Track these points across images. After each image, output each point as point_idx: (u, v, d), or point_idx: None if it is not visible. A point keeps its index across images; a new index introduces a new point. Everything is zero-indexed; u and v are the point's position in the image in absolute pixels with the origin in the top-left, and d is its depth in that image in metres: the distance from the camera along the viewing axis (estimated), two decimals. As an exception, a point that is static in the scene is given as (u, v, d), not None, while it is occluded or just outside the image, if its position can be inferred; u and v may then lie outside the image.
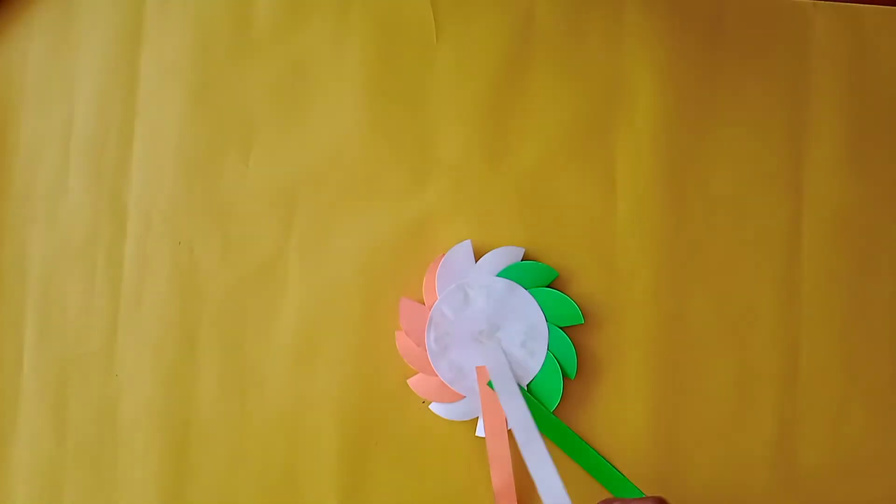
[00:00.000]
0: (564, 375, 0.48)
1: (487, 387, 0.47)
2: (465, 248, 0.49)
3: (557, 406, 0.48)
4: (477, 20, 0.52)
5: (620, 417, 0.49)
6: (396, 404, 0.49)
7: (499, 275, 0.49)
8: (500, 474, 0.47)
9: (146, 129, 0.52)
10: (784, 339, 0.50)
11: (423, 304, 0.49)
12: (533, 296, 0.48)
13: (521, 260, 0.49)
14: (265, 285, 0.50)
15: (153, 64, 0.52)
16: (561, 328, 0.48)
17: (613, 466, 0.48)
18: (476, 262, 0.49)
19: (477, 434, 0.49)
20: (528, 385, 0.48)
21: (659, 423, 0.49)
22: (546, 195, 0.51)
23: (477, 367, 0.48)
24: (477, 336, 0.48)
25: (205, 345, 0.50)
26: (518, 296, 0.48)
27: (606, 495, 0.47)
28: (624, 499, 0.41)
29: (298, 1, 0.52)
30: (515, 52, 0.51)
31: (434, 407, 0.49)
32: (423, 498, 0.49)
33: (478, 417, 0.49)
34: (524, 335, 0.48)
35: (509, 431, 0.47)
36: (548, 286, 0.49)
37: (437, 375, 0.48)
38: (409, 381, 0.49)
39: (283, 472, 0.49)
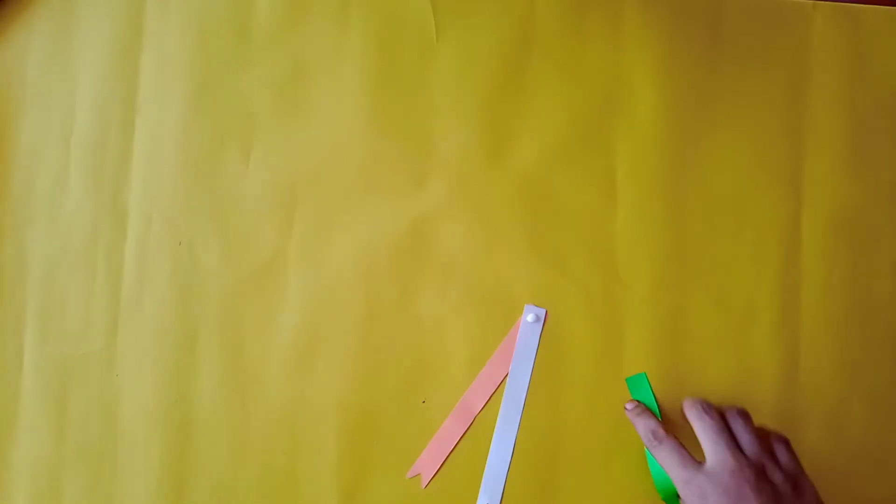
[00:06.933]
0: None
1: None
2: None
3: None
4: (477, 20, 0.52)
5: (621, 416, 0.49)
6: (396, 404, 0.49)
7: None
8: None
9: (146, 128, 0.52)
10: (784, 339, 0.50)
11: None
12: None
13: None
14: (265, 285, 0.50)
15: (153, 64, 0.52)
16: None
17: None
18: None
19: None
20: None
21: (659, 423, 0.49)
22: (546, 195, 0.51)
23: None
24: None
25: (205, 345, 0.50)
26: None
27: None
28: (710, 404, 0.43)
29: (298, 1, 0.52)
30: (515, 52, 0.51)
31: None
32: (423, 497, 0.49)
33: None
34: None
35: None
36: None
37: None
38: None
39: (283, 472, 0.49)
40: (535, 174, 0.51)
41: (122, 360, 0.50)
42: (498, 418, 0.49)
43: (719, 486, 0.39)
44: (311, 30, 0.52)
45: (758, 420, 0.49)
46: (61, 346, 0.51)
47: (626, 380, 0.49)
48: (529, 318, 0.49)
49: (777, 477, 0.40)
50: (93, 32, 0.52)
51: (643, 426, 0.45)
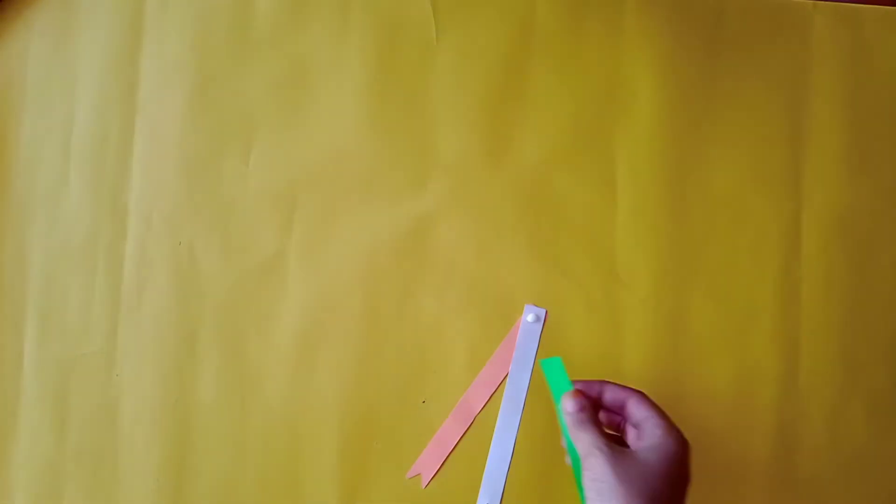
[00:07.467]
0: None
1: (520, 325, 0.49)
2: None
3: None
4: (477, 20, 0.52)
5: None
6: (396, 404, 0.49)
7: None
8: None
9: (146, 129, 0.52)
10: (784, 339, 0.50)
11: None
12: None
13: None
14: (265, 285, 0.50)
15: (153, 64, 0.52)
16: None
17: None
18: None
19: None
20: None
21: (659, 423, 0.49)
22: (546, 195, 0.51)
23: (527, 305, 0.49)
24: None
25: (205, 345, 0.50)
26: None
27: None
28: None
29: (298, 1, 0.52)
30: (515, 52, 0.51)
31: None
32: (424, 497, 0.49)
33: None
34: None
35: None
36: None
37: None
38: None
39: (283, 472, 0.49)
40: (535, 174, 0.51)
41: (122, 360, 0.50)
42: (498, 418, 0.49)
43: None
44: (311, 30, 0.52)
45: (758, 420, 0.49)
46: (61, 346, 0.51)
47: (541, 362, 0.44)
48: (529, 318, 0.49)
49: None
50: (93, 32, 0.52)
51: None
